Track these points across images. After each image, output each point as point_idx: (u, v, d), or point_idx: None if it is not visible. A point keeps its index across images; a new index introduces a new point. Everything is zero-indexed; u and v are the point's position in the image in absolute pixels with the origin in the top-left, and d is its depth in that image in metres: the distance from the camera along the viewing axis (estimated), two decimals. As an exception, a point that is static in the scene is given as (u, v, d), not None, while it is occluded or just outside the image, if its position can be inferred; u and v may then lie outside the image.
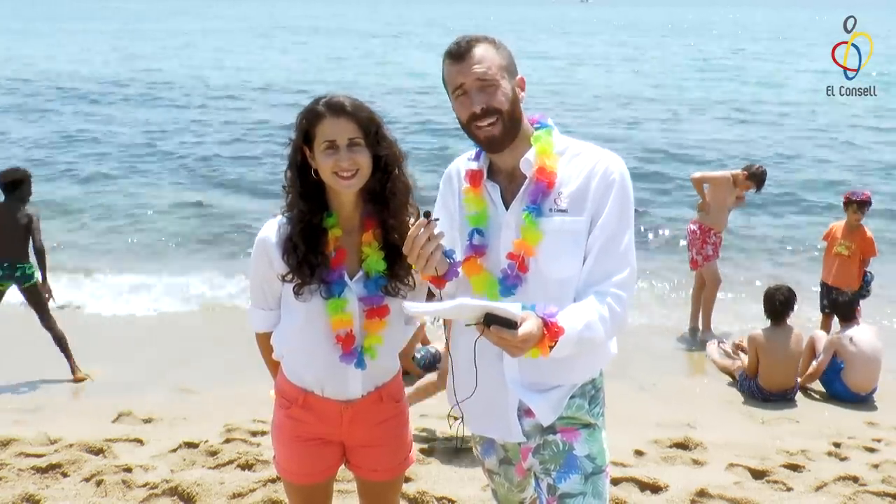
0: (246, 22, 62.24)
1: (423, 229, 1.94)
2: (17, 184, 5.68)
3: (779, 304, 5.67)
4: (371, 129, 2.13)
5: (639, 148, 15.12)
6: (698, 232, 7.00)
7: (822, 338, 5.95)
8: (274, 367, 2.42)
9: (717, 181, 6.99)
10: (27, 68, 27.13)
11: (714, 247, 7.00)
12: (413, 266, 2.07)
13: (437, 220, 1.97)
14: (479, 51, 2.01)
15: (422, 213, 2.00)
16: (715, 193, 6.96)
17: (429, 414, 4.69)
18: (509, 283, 2.05)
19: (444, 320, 2.87)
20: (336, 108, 2.11)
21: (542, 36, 49.11)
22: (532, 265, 2.03)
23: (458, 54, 2.02)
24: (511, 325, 1.75)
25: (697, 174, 7.30)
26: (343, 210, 2.21)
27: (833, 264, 6.60)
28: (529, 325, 1.76)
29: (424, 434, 4.52)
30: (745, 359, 5.95)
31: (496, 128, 2.01)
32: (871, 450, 4.63)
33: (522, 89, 2.10)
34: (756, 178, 6.88)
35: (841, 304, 5.94)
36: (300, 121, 2.16)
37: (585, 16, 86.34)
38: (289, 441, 2.35)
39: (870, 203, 6.52)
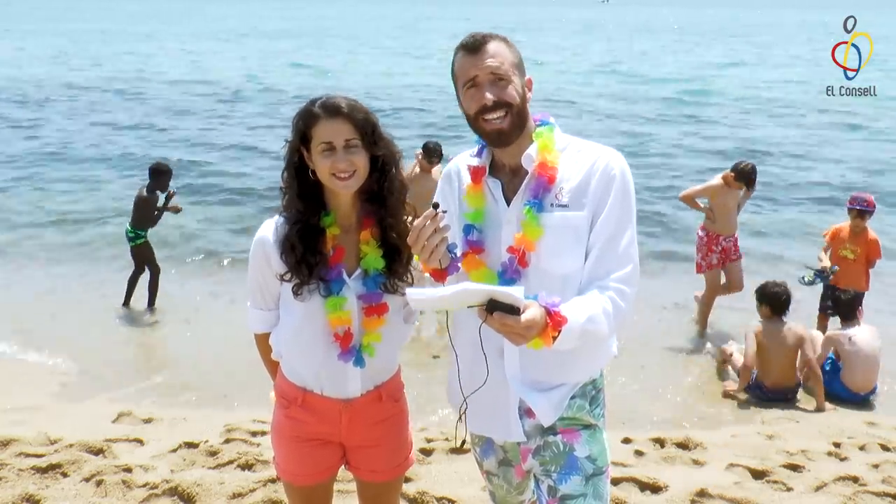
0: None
1: (429, 221, 1.94)
2: (157, 174, 7.25)
3: (784, 298, 5.68)
4: (367, 130, 2.14)
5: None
6: (705, 238, 6.99)
7: (817, 336, 5.95)
8: (273, 367, 2.42)
9: (710, 191, 6.96)
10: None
11: (723, 253, 6.96)
12: (415, 259, 2.07)
13: (444, 212, 1.96)
14: (494, 46, 2.03)
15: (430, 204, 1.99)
16: (715, 201, 6.94)
17: (429, 413, 4.70)
18: (508, 278, 2.05)
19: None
20: (332, 109, 2.11)
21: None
22: (533, 260, 2.04)
23: (473, 47, 2.04)
24: (514, 311, 1.72)
25: (684, 192, 7.25)
26: (340, 209, 2.22)
27: (839, 267, 6.52)
28: (533, 312, 1.76)
29: (424, 434, 4.52)
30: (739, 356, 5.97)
31: (505, 121, 2.02)
32: (872, 450, 4.62)
33: (530, 89, 2.11)
34: (743, 175, 6.81)
35: (843, 303, 5.91)
36: (296, 122, 2.16)
37: (604, 16, 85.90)
38: (288, 442, 2.35)
39: (874, 208, 6.47)
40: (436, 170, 7.07)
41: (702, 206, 7.04)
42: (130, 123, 17.48)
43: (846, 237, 6.55)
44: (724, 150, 14.99)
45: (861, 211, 6.42)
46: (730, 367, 6.10)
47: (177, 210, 7.44)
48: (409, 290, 1.84)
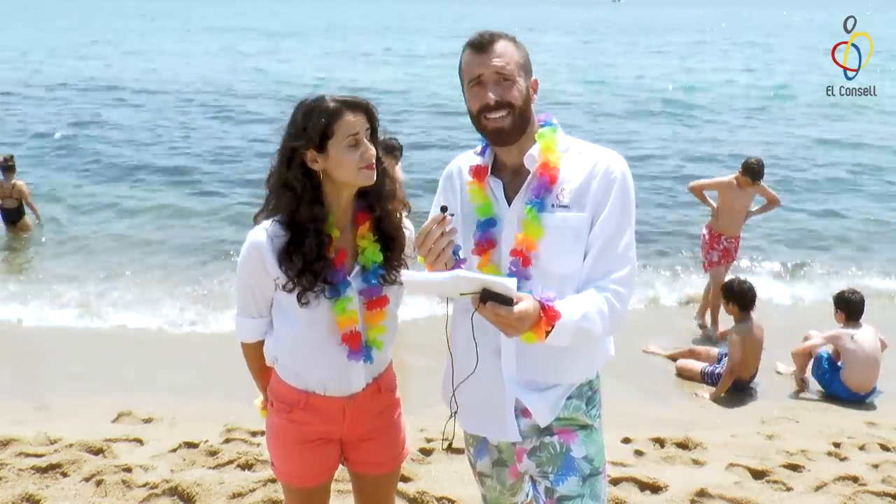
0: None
1: (437, 224, 1.95)
2: None
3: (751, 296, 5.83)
4: (375, 123, 2.18)
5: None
6: (707, 237, 7.05)
7: (816, 335, 5.96)
8: (263, 374, 2.40)
9: (719, 186, 6.99)
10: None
11: (723, 252, 7.00)
12: (418, 257, 2.07)
13: (452, 215, 1.97)
14: (501, 45, 2.04)
15: (438, 207, 2.00)
16: (721, 199, 6.97)
17: (428, 413, 4.68)
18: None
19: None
20: (351, 103, 2.14)
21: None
22: (533, 260, 2.04)
23: (481, 46, 2.04)
24: (508, 301, 1.73)
25: (694, 183, 7.30)
26: (338, 210, 2.22)
27: None
28: (526, 305, 1.76)
29: (424, 434, 4.52)
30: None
31: (506, 120, 2.03)
32: (872, 450, 4.62)
33: (535, 91, 2.11)
34: (749, 171, 6.79)
35: (852, 303, 5.89)
36: (316, 121, 2.09)
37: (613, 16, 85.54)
38: (290, 445, 2.34)
39: None
40: (398, 168, 6.85)
41: (711, 202, 7.06)
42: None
43: None
44: (715, 156, 14.94)
45: None
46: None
47: None
48: (404, 272, 1.86)
